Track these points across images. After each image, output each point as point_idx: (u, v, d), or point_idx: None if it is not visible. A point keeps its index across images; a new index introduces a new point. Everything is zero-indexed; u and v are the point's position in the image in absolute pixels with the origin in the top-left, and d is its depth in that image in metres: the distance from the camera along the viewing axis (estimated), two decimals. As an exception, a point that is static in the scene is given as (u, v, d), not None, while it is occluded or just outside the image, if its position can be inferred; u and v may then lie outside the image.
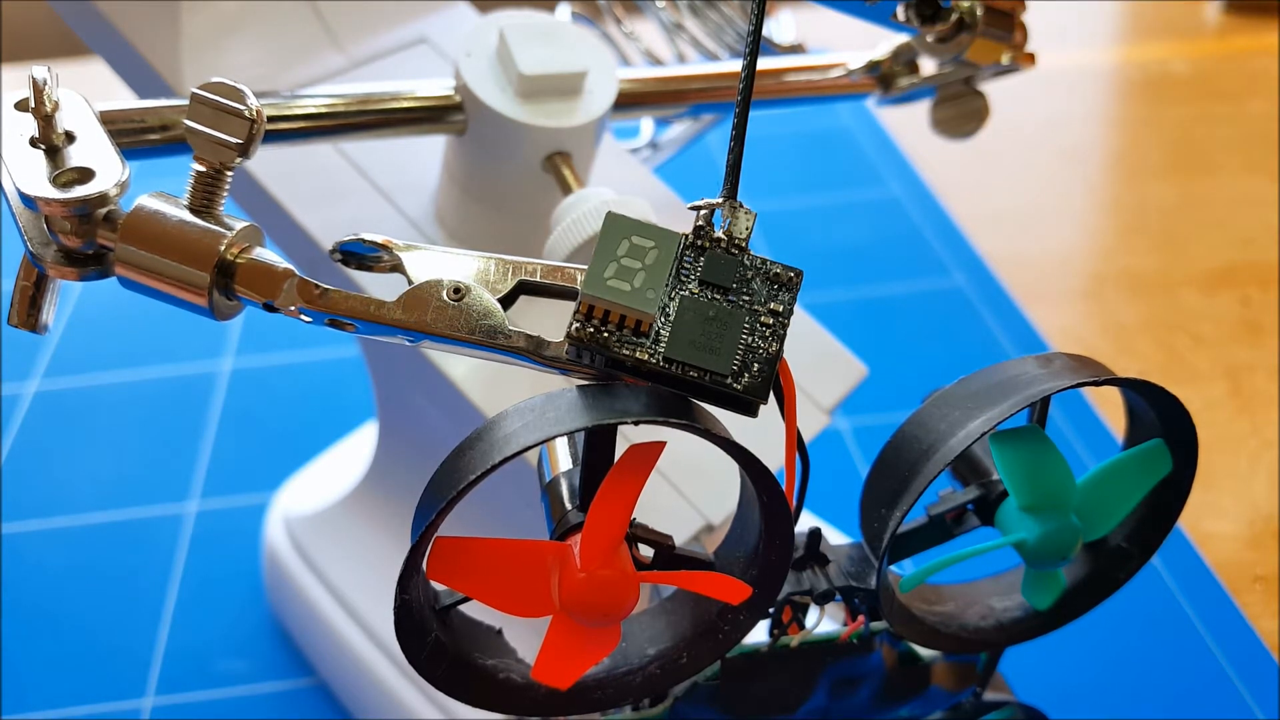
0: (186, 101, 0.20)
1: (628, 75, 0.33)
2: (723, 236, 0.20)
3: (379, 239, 0.21)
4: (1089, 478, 0.24)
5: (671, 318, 0.19)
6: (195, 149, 0.20)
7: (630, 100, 0.33)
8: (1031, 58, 0.34)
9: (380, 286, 0.30)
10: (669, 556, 0.22)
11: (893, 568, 0.25)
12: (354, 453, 0.46)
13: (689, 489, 0.31)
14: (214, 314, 0.20)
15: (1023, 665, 0.35)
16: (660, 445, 0.20)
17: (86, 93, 0.22)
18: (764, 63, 0.32)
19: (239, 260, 0.20)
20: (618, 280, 0.19)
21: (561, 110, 0.29)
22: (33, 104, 0.21)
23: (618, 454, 0.20)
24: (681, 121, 0.42)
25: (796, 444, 0.21)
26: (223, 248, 0.20)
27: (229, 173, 0.20)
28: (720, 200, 0.20)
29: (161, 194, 0.20)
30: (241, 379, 0.58)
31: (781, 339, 0.20)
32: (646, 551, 0.22)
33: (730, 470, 0.21)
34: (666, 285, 0.19)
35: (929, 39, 0.32)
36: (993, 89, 0.36)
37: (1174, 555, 0.47)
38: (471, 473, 0.19)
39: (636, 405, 0.19)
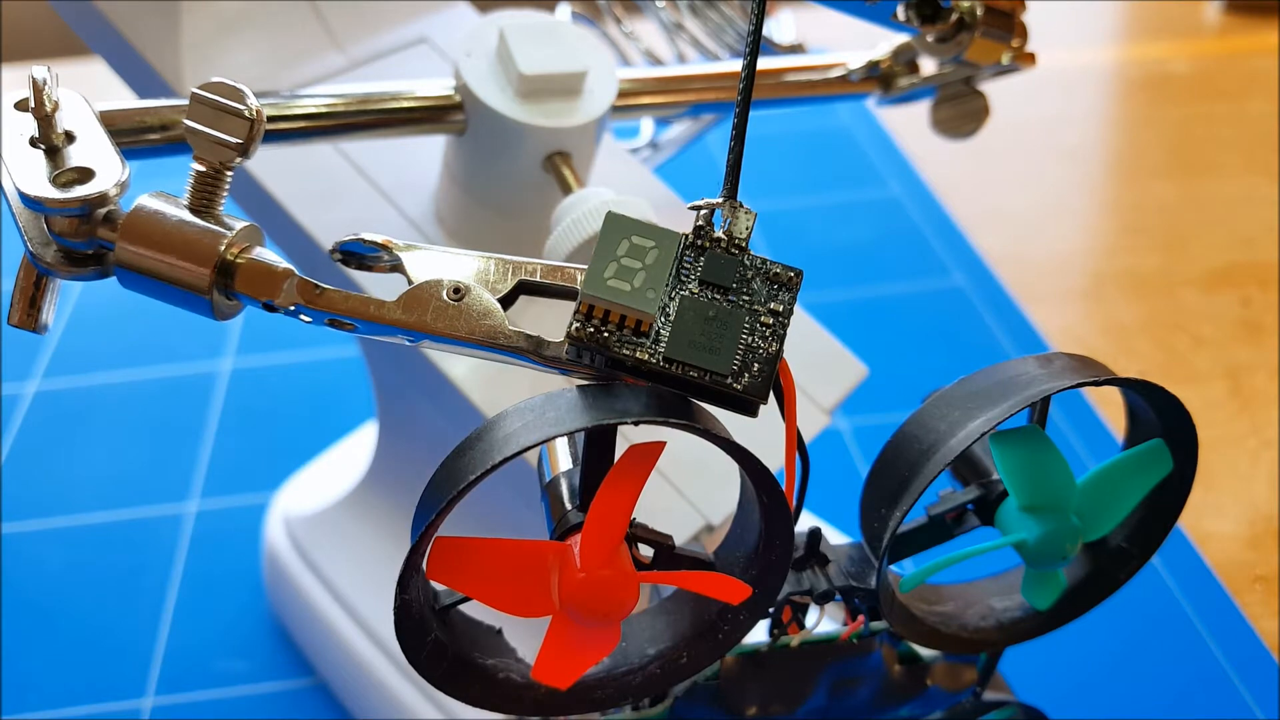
0: (186, 101, 0.20)
1: (628, 75, 0.33)
2: (723, 236, 0.20)
3: (379, 239, 0.21)
4: (1089, 478, 0.24)
5: (671, 318, 0.19)
6: (195, 149, 0.20)
7: (630, 100, 0.33)
8: (1031, 58, 0.34)
9: (380, 286, 0.30)
10: (669, 556, 0.22)
11: (893, 568, 0.25)
12: (354, 453, 0.46)
13: (689, 489, 0.31)
14: (214, 314, 0.20)
15: (1023, 665, 0.35)
16: (660, 445, 0.20)
17: (86, 93, 0.22)
18: (764, 63, 0.32)
19: (239, 260, 0.20)
20: (618, 280, 0.19)
21: (561, 110, 0.29)
22: (33, 104, 0.21)
23: (618, 454, 0.20)
24: (681, 121, 0.42)
25: (796, 444, 0.21)
26: (223, 247, 0.20)
27: (229, 173, 0.20)
28: (720, 200, 0.20)
29: (161, 194, 0.20)
30: (241, 379, 0.58)
31: (781, 339, 0.20)
32: (646, 551, 0.22)
33: (730, 470, 0.21)
34: (666, 285, 0.19)
35: (929, 39, 0.32)
36: (993, 89, 0.36)
37: (1174, 555, 0.47)
38: (471, 473, 0.19)
39: (636, 405, 0.19)
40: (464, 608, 0.23)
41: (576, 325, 0.19)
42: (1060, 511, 0.24)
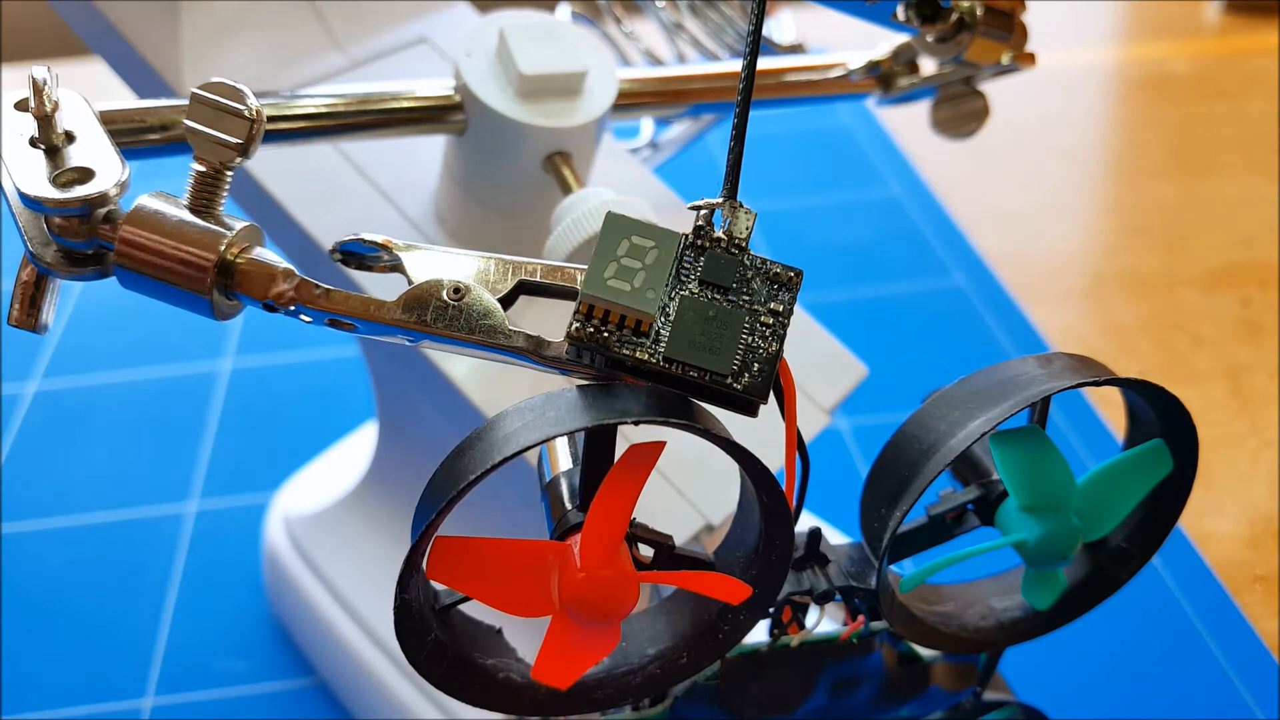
0: (186, 101, 0.20)
1: (628, 75, 0.33)
2: (723, 236, 0.20)
3: (379, 239, 0.21)
4: (1089, 478, 0.24)
5: (671, 317, 0.19)
6: (195, 149, 0.20)
7: (630, 100, 0.33)
8: (1031, 58, 0.34)
9: (380, 286, 0.30)
10: (669, 556, 0.22)
11: (893, 568, 0.25)
12: (354, 453, 0.46)
13: (689, 489, 0.31)
14: (214, 314, 0.20)
15: (1023, 665, 0.35)
16: (660, 445, 0.20)
17: (86, 93, 0.22)
18: (764, 63, 0.32)
19: (239, 260, 0.20)
20: (618, 280, 0.19)
21: (561, 110, 0.29)
22: (33, 104, 0.21)
23: (618, 454, 0.20)
24: (681, 121, 0.42)
25: (796, 444, 0.21)
26: (223, 247, 0.20)
27: (229, 173, 0.20)
28: (720, 200, 0.20)
29: (161, 194, 0.20)
30: (241, 379, 0.58)
31: (781, 339, 0.20)
32: (646, 551, 0.22)
33: (730, 470, 0.21)
34: (666, 285, 0.19)
35: (929, 39, 0.32)
36: (993, 89, 0.36)
37: (1174, 555, 0.47)
38: (471, 473, 0.19)
39: (636, 405, 0.19)
40: (464, 608, 0.23)
41: (576, 325, 0.19)
42: (1060, 511, 0.24)
